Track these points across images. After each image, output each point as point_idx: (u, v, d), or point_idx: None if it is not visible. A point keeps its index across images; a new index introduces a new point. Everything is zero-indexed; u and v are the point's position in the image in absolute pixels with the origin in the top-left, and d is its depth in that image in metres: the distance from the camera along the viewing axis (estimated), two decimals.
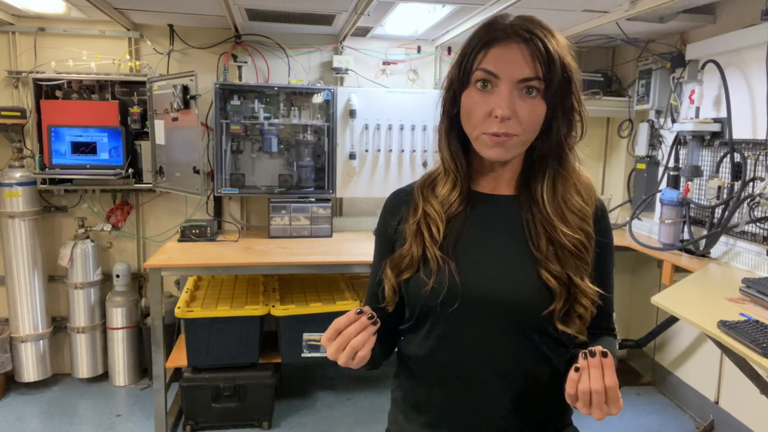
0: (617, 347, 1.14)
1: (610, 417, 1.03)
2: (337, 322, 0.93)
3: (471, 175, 1.06)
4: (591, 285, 0.99)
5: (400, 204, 1.11)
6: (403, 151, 3.60)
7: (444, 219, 1.02)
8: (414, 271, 1.02)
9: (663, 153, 3.40)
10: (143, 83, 3.35)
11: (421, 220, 1.04)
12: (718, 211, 2.88)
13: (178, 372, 3.21)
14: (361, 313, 0.93)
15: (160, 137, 3.33)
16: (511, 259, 1.00)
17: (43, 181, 3.32)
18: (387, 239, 1.12)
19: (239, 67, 3.49)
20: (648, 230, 3.49)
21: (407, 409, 1.11)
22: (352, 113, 3.49)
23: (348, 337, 0.91)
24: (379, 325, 0.94)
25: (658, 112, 3.42)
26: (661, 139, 3.44)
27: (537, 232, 1.00)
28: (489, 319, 0.99)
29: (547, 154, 1.00)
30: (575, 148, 1.02)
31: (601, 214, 1.06)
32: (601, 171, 4.07)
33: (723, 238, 2.85)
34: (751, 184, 2.67)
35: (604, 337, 1.10)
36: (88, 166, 3.35)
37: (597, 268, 1.02)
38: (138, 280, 3.68)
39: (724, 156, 2.85)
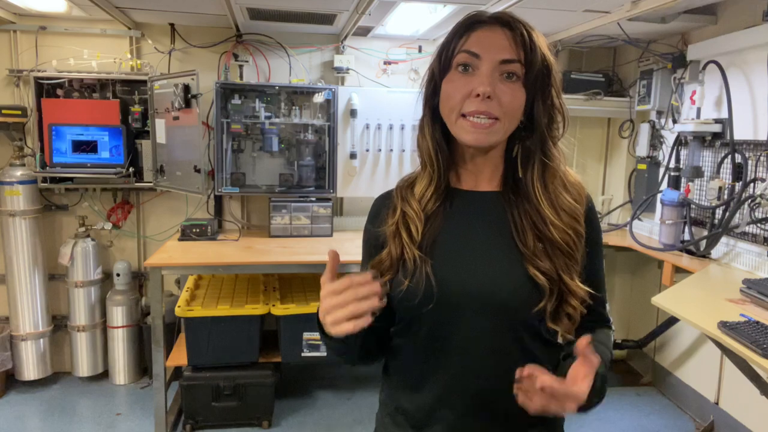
0: (612, 338, 1.11)
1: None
2: (351, 279, 0.88)
3: (451, 171, 1.04)
4: (581, 285, 0.96)
5: (380, 208, 1.10)
6: (403, 150, 3.60)
7: (422, 218, 1.00)
8: (393, 273, 1.00)
9: (664, 153, 3.40)
10: (144, 82, 3.36)
11: (399, 221, 1.02)
12: (719, 212, 2.88)
13: (178, 371, 3.21)
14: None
15: (161, 136, 3.33)
16: (495, 256, 0.98)
17: (44, 180, 3.32)
18: (370, 246, 1.10)
19: (240, 67, 3.49)
20: (648, 231, 3.49)
21: (394, 412, 1.08)
22: (352, 113, 3.49)
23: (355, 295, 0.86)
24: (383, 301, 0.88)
25: (659, 113, 3.42)
26: (662, 140, 3.44)
27: (523, 227, 0.97)
28: (474, 318, 0.96)
29: (533, 148, 0.99)
30: (559, 145, 1.01)
31: (589, 207, 1.04)
32: (602, 171, 4.07)
33: (723, 239, 2.85)
34: (751, 184, 2.67)
35: (599, 330, 1.06)
36: (88, 165, 3.35)
37: (587, 266, 1.00)
38: (138, 279, 3.68)
39: (725, 157, 2.85)
